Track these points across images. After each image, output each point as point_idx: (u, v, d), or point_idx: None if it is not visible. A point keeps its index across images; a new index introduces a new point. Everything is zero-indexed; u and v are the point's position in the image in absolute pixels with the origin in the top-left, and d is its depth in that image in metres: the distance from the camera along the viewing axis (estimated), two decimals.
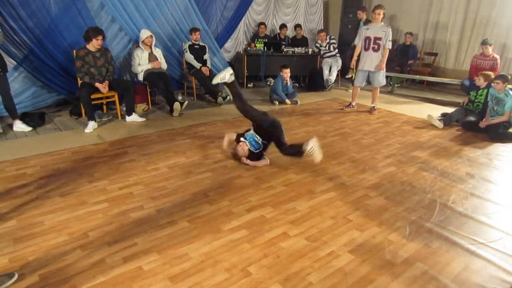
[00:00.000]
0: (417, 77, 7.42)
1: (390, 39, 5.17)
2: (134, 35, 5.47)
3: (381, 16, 5.10)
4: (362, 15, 7.08)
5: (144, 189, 2.96)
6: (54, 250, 2.17)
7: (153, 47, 5.34)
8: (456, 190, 3.09)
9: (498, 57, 5.88)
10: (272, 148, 3.94)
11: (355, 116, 5.37)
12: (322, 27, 8.95)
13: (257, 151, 3.47)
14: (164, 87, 5.13)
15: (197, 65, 5.89)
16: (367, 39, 5.28)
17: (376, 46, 5.20)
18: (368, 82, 5.57)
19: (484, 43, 5.83)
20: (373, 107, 5.59)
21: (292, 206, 2.75)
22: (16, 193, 2.85)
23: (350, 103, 5.80)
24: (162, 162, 3.52)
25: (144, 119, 4.83)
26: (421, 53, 7.95)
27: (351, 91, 6.22)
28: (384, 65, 5.26)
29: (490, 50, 5.80)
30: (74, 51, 4.64)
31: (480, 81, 4.92)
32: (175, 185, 3.06)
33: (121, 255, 2.13)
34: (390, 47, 5.20)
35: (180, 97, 5.82)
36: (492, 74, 4.91)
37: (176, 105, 5.04)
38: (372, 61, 5.29)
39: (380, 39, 5.15)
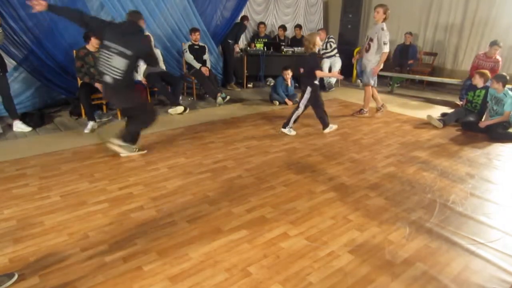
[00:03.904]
0: (417, 77, 7.42)
1: (386, 42, 4.85)
2: None
3: (380, 15, 4.80)
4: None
5: (144, 189, 2.97)
6: (54, 250, 2.17)
7: (152, 47, 5.34)
8: (456, 190, 3.09)
9: (500, 59, 5.84)
10: (273, 148, 3.94)
11: (356, 116, 5.37)
12: (322, 27, 8.95)
13: None
14: (165, 87, 5.15)
15: (197, 65, 5.89)
16: (366, 37, 5.22)
17: (367, 47, 5.05)
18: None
19: (496, 43, 5.72)
20: (361, 110, 5.41)
21: (292, 206, 2.75)
22: (16, 193, 2.85)
23: (381, 106, 5.52)
24: (162, 162, 3.52)
25: None
26: (421, 53, 7.95)
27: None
28: (377, 70, 5.03)
29: (497, 52, 5.76)
30: (74, 51, 4.64)
31: (476, 80, 4.92)
32: (175, 185, 3.06)
33: (121, 255, 2.13)
34: (386, 51, 4.90)
35: (181, 100, 5.81)
36: (488, 73, 4.91)
37: (176, 109, 5.08)
38: (363, 60, 5.22)
39: (372, 40, 4.96)
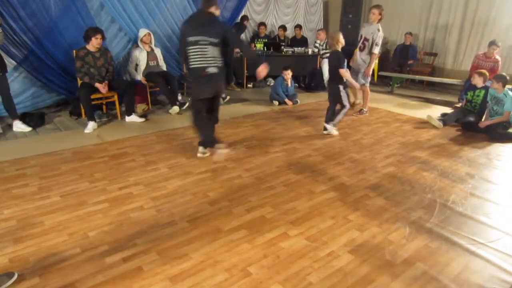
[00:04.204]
0: (417, 77, 7.43)
1: (378, 44, 4.98)
2: (134, 35, 5.47)
3: (376, 16, 4.94)
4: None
5: (144, 189, 2.96)
6: (54, 250, 2.17)
7: (152, 45, 5.34)
8: (456, 190, 3.09)
9: (499, 59, 5.85)
10: (273, 148, 3.94)
11: (355, 116, 5.37)
12: (322, 27, 8.95)
13: None
14: (165, 86, 5.15)
15: None
16: (360, 37, 5.29)
17: (362, 46, 5.15)
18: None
19: (494, 43, 5.74)
20: (361, 110, 5.49)
21: (292, 206, 2.75)
22: (16, 193, 2.85)
23: (353, 102, 5.76)
24: (162, 162, 3.52)
25: (143, 119, 4.83)
26: (421, 53, 7.95)
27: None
28: (369, 71, 5.15)
29: (495, 51, 5.78)
30: (74, 51, 4.64)
31: (476, 79, 4.92)
32: (175, 185, 3.06)
33: (121, 255, 2.13)
34: (377, 52, 5.02)
35: (180, 97, 5.82)
36: (486, 73, 4.91)
37: (175, 109, 5.08)
38: (357, 59, 5.29)
39: (367, 40, 5.08)
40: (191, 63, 3.26)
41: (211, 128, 3.58)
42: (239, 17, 7.06)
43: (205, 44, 3.18)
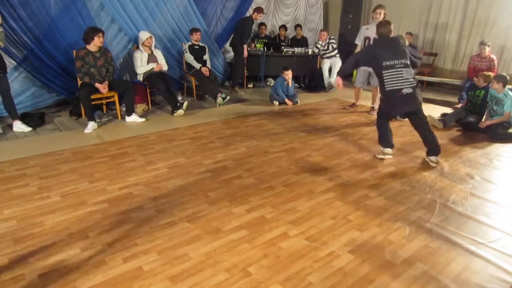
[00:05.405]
0: (417, 77, 7.41)
1: None
2: (134, 36, 5.47)
3: (382, 16, 4.98)
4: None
5: (144, 189, 2.97)
6: (54, 250, 2.17)
7: (153, 48, 5.34)
8: (456, 190, 3.09)
9: (494, 57, 5.87)
10: (273, 148, 3.94)
11: (355, 116, 5.37)
12: (322, 27, 8.95)
13: None
14: (165, 88, 5.14)
15: (197, 65, 5.89)
16: (367, 39, 5.27)
17: None
18: (368, 82, 5.55)
19: (482, 43, 5.80)
20: (373, 107, 5.51)
21: (292, 206, 2.75)
22: (16, 193, 2.85)
23: (353, 103, 5.85)
24: (162, 162, 3.52)
25: (144, 119, 4.83)
26: (421, 53, 7.94)
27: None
28: None
29: (487, 51, 5.79)
30: (74, 51, 4.64)
31: (480, 82, 4.92)
32: (175, 185, 3.06)
33: (121, 255, 2.13)
34: None
35: (180, 97, 5.83)
36: (491, 75, 4.91)
37: (180, 112, 5.06)
38: None
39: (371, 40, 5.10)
40: (387, 86, 3.47)
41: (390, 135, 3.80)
42: (249, 11, 6.80)
43: (401, 67, 3.44)
